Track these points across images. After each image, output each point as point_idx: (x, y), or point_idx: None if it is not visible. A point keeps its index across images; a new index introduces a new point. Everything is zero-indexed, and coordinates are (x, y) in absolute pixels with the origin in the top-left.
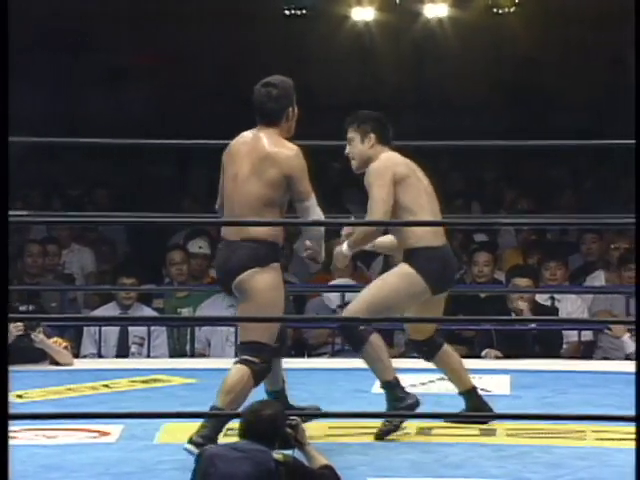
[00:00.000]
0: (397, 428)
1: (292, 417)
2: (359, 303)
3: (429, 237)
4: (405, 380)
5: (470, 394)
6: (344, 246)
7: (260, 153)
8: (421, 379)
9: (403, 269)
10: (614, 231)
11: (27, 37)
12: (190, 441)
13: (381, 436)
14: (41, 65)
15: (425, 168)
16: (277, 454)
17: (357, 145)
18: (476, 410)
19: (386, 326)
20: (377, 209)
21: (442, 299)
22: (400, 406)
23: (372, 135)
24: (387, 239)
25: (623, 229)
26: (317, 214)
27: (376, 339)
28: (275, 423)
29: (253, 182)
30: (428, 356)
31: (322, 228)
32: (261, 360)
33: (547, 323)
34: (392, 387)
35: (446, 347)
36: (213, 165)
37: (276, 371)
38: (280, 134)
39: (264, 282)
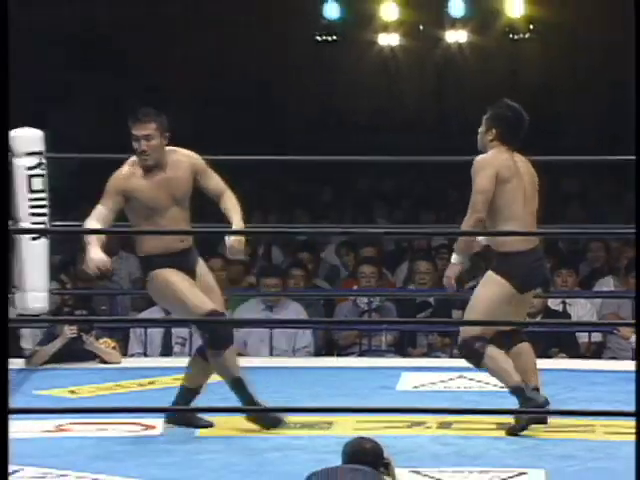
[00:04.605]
0: (525, 426)
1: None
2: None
3: (518, 243)
4: (428, 378)
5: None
6: (453, 256)
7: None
8: (442, 377)
9: (490, 277)
10: (621, 240)
11: (77, 64)
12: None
13: (513, 432)
14: (85, 84)
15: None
16: (386, 477)
17: (482, 135)
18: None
19: (410, 328)
20: (477, 200)
21: (529, 298)
22: (529, 405)
23: (494, 131)
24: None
25: (629, 239)
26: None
27: (492, 351)
28: (376, 451)
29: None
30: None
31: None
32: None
33: (559, 326)
34: (519, 391)
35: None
36: (248, 177)
37: None
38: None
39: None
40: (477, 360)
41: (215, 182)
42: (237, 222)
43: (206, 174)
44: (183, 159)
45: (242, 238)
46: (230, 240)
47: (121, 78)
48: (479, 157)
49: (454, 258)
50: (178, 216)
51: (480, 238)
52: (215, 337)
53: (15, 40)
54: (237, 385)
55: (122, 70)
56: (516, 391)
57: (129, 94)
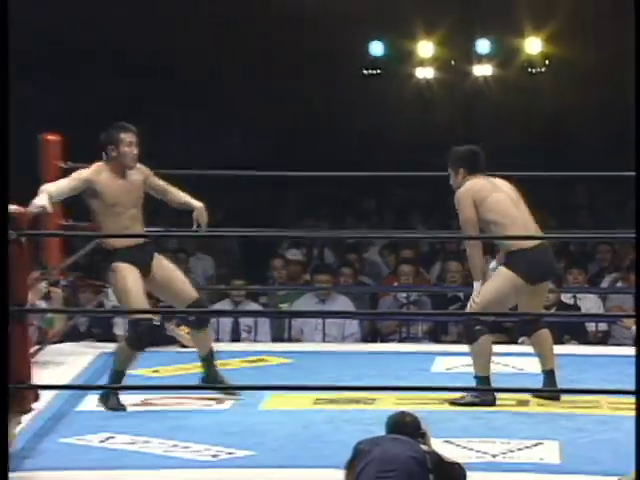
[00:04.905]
0: (469, 404)
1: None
2: (477, 303)
3: (522, 242)
4: (458, 361)
5: (548, 374)
6: (475, 284)
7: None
8: (470, 360)
9: (502, 271)
10: (625, 243)
11: (157, 95)
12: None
13: (455, 403)
14: (170, 117)
15: None
16: (423, 445)
17: (453, 179)
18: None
19: (443, 319)
20: (466, 228)
21: (545, 288)
22: (481, 394)
23: (461, 170)
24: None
25: (631, 242)
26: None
27: (485, 339)
28: (415, 423)
29: None
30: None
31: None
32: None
33: (571, 317)
34: (480, 381)
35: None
36: (303, 190)
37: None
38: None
39: (112, 279)
40: (470, 340)
41: (162, 182)
42: (197, 203)
43: (153, 177)
44: (137, 167)
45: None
46: (199, 214)
47: (199, 107)
48: (457, 192)
49: (476, 285)
50: (136, 216)
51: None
52: (136, 340)
53: (110, 75)
54: (117, 376)
55: (202, 101)
56: (482, 380)
57: (202, 122)
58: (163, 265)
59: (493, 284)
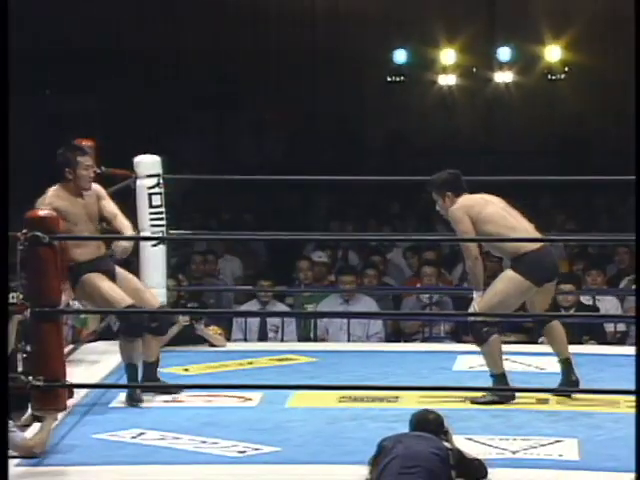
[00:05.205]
0: (490, 402)
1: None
2: (482, 306)
3: (526, 245)
4: (479, 360)
5: (565, 363)
6: (474, 294)
7: None
8: None
9: (508, 274)
10: None
11: (190, 100)
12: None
13: (477, 402)
14: (202, 121)
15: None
16: (445, 442)
17: (442, 204)
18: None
19: (464, 319)
20: (466, 243)
21: (551, 287)
22: (498, 390)
23: (448, 193)
24: None
25: None
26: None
27: (494, 339)
28: (438, 421)
29: None
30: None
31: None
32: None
33: (590, 317)
34: (496, 378)
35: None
36: (330, 195)
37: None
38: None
39: (85, 291)
40: (479, 342)
41: (112, 206)
42: (130, 233)
43: (106, 200)
44: (92, 187)
45: (130, 246)
46: (120, 246)
47: (229, 111)
48: (451, 210)
49: (476, 294)
50: (93, 231)
51: None
52: (129, 327)
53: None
54: (130, 369)
55: (231, 104)
56: (498, 377)
57: (234, 126)
58: (127, 277)
59: (499, 286)
